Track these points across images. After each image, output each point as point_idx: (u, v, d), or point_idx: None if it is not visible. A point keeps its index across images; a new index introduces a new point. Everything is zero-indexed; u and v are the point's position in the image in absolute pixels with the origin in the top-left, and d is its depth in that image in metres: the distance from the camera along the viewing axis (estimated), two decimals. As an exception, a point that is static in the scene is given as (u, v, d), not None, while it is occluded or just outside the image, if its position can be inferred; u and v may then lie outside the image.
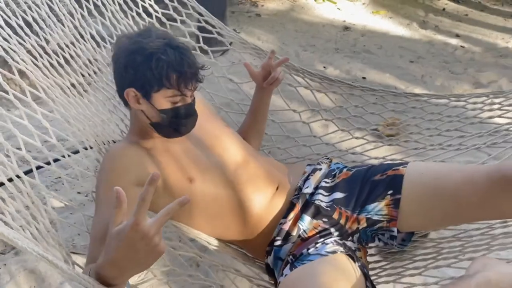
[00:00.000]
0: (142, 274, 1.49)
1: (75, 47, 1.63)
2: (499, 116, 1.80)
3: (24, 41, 1.45)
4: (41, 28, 1.55)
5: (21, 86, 1.30)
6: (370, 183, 1.36)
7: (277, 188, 1.40)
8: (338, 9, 4.78)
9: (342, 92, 1.89)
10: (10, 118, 1.20)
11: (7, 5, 1.45)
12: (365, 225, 1.33)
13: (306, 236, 1.30)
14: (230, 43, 1.97)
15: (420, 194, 1.29)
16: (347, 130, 1.96)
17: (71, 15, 1.68)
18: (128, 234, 0.83)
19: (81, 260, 1.39)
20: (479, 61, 3.84)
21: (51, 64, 1.50)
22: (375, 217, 1.31)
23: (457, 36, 4.36)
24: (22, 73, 1.33)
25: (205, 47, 1.90)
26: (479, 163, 1.78)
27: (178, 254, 1.30)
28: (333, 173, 1.44)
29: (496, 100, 1.82)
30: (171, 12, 1.90)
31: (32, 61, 1.42)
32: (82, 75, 1.62)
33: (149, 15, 1.88)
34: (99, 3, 1.77)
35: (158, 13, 1.90)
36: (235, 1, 4.70)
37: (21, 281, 1.69)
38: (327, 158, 1.56)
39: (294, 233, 1.31)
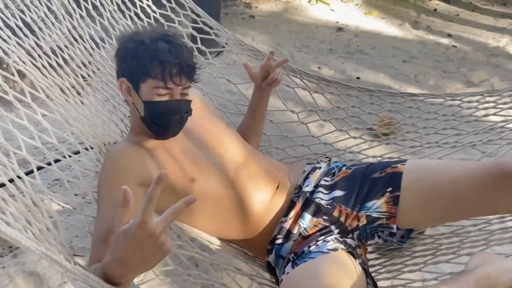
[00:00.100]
0: (143, 274, 1.49)
1: (74, 47, 1.63)
2: (494, 114, 1.82)
3: (23, 42, 1.45)
4: (40, 28, 1.55)
5: (20, 87, 1.30)
6: (369, 181, 1.38)
7: (277, 187, 1.40)
8: (331, 10, 4.81)
9: (339, 93, 1.90)
10: (10, 119, 1.19)
11: (6, 7, 1.45)
12: (364, 222, 1.34)
13: (307, 234, 1.31)
14: (225, 44, 1.98)
15: (419, 191, 1.30)
16: (345, 130, 1.97)
17: (70, 15, 1.68)
18: (135, 233, 0.83)
19: (79, 261, 1.39)
20: (471, 60, 3.89)
21: (50, 65, 1.50)
22: (375, 214, 1.33)
23: (449, 35, 4.40)
24: (21, 74, 1.33)
25: (203, 48, 1.90)
26: (476, 159, 1.80)
27: (180, 254, 1.31)
28: (332, 172, 1.45)
29: (491, 99, 1.85)
30: (169, 12, 1.91)
31: (31, 62, 1.42)
32: (82, 75, 1.62)
33: (147, 15, 1.88)
34: (98, 4, 1.77)
35: (156, 14, 1.90)
36: (229, 3, 4.72)
37: (20, 284, 1.68)
38: (326, 157, 1.57)
39: (295, 231, 1.32)
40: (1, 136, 1.12)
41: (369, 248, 1.51)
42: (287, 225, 1.33)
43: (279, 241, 1.32)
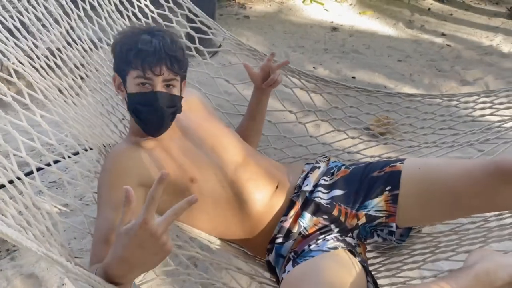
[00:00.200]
0: (143, 274, 1.49)
1: (72, 48, 1.63)
2: (491, 114, 1.84)
3: (21, 43, 1.44)
4: (37, 29, 1.54)
5: (19, 88, 1.30)
6: (368, 180, 1.38)
7: (276, 187, 1.41)
8: (326, 10, 4.82)
9: (337, 93, 1.91)
10: (9, 120, 1.19)
11: (3, 8, 1.44)
12: (364, 221, 1.34)
13: (306, 233, 1.32)
14: (221, 44, 1.98)
15: (418, 189, 1.31)
16: (343, 130, 1.98)
17: (68, 16, 1.68)
18: (136, 233, 0.83)
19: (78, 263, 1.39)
20: (465, 59, 3.91)
21: (48, 66, 1.49)
22: (374, 213, 1.33)
23: (443, 35, 4.43)
24: (19, 75, 1.33)
25: (201, 47, 1.90)
26: (474, 158, 1.81)
27: (180, 254, 1.31)
28: (331, 171, 1.46)
29: (487, 99, 1.86)
30: (167, 12, 1.91)
31: (29, 63, 1.41)
32: (80, 76, 1.62)
33: (144, 15, 1.88)
34: (95, 4, 1.77)
35: (154, 13, 1.90)
36: (223, 3, 4.71)
37: (18, 286, 1.68)
38: (325, 157, 1.58)
39: (295, 230, 1.32)
40: (0, 137, 1.12)
41: (368, 247, 1.52)
42: (287, 224, 1.34)
43: (279, 240, 1.33)
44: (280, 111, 2.01)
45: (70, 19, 1.68)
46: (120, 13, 1.83)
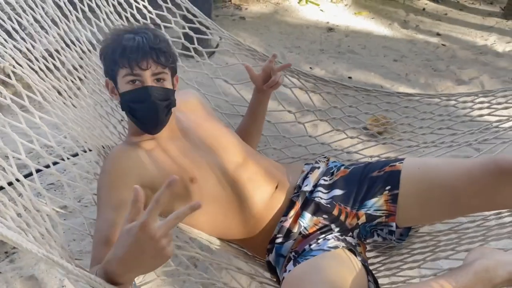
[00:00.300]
0: (143, 275, 1.49)
1: (70, 49, 1.62)
2: (489, 114, 1.84)
3: (20, 45, 1.44)
4: (36, 31, 1.54)
5: (18, 90, 1.29)
6: (368, 180, 1.39)
7: (276, 187, 1.41)
8: (321, 10, 4.83)
9: (336, 92, 1.91)
10: (8, 122, 1.19)
11: (1, 10, 1.44)
12: (364, 220, 1.35)
13: (307, 232, 1.32)
14: (218, 44, 1.98)
15: (418, 188, 1.32)
16: (342, 130, 1.98)
17: (66, 17, 1.67)
18: (136, 234, 0.83)
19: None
20: (460, 58, 3.93)
21: (47, 68, 1.49)
22: (374, 213, 1.34)
23: (438, 34, 4.45)
24: (18, 77, 1.32)
25: (199, 48, 1.90)
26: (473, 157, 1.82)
27: (180, 254, 1.30)
28: (331, 171, 1.46)
29: (485, 99, 1.87)
30: (165, 13, 1.91)
31: (28, 65, 1.41)
32: (79, 78, 1.61)
33: (143, 16, 1.88)
34: (94, 5, 1.76)
35: (152, 14, 1.90)
36: (219, 4, 4.72)
37: (17, 288, 1.67)
38: (325, 157, 1.58)
39: (295, 230, 1.32)
40: (-1, 139, 1.12)
41: (368, 247, 1.53)
42: (287, 224, 1.34)
43: (279, 240, 1.33)
44: (279, 111, 2.02)
45: (68, 20, 1.68)
46: (119, 14, 1.83)
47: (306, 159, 1.87)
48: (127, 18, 1.84)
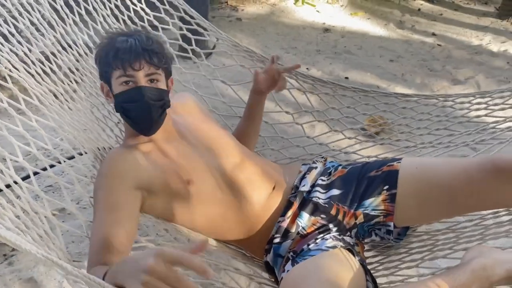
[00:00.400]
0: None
1: (67, 53, 1.62)
2: (486, 115, 1.85)
3: (16, 48, 1.44)
4: (32, 34, 1.54)
5: (14, 93, 1.29)
6: (366, 179, 1.39)
7: (273, 188, 1.41)
8: (317, 11, 4.84)
9: (334, 93, 1.91)
10: (5, 125, 1.19)
11: (-2, 14, 1.44)
12: (362, 220, 1.35)
13: (305, 232, 1.32)
14: (215, 45, 1.98)
15: (415, 188, 1.32)
16: (340, 131, 1.98)
17: (63, 21, 1.67)
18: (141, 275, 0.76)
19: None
20: (456, 58, 3.95)
21: (43, 71, 1.49)
22: (372, 212, 1.34)
23: (433, 35, 4.47)
24: (14, 80, 1.32)
25: (197, 49, 1.91)
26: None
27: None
28: (328, 171, 1.46)
29: (482, 100, 1.87)
30: (163, 15, 1.91)
31: (25, 68, 1.41)
32: (75, 81, 1.61)
33: (140, 18, 1.88)
34: (90, 8, 1.76)
35: (150, 16, 1.90)
36: (215, 6, 4.72)
37: (16, 291, 1.67)
38: (322, 157, 1.58)
39: (293, 230, 1.33)
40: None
41: (366, 246, 1.53)
42: (284, 224, 1.34)
43: (277, 240, 1.33)
44: (277, 112, 2.02)
45: (65, 23, 1.68)
46: (116, 17, 1.83)
47: (304, 160, 1.88)
48: (124, 20, 1.84)
